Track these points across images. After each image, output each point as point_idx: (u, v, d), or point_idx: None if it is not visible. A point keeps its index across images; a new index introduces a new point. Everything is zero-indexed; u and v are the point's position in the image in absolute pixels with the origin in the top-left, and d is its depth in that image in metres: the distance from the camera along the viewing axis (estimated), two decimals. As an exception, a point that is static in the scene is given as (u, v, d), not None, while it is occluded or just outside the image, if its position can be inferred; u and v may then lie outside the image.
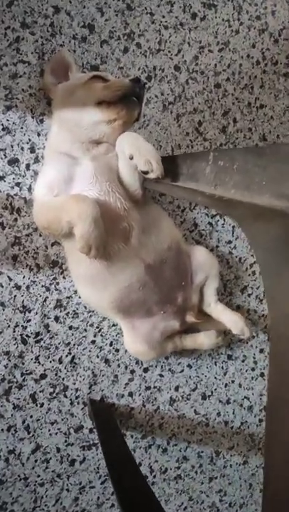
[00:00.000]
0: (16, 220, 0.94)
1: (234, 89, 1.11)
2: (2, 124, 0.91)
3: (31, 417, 0.99)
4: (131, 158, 0.79)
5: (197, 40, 1.05)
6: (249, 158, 0.61)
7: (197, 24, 1.05)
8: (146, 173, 0.78)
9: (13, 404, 0.97)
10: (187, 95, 1.06)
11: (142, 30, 1.00)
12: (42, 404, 1.00)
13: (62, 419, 1.02)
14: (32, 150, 0.93)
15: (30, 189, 0.94)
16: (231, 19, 1.08)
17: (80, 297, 0.99)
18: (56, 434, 1.01)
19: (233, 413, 1.19)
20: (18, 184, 0.93)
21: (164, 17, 1.02)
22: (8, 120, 0.91)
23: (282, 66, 1.15)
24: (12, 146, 0.92)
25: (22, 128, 0.92)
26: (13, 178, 0.93)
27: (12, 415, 0.97)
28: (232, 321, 0.98)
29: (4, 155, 0.91)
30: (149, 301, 0.89)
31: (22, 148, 0.93)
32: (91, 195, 0.79)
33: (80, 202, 0.73)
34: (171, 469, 1.14)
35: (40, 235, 0.96)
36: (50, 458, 1.01)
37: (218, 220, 1.12)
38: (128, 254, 0.84)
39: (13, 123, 0.91)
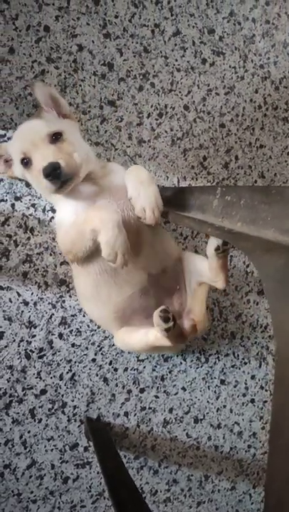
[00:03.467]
0: (28, 238, 0.98)
1: (237, 130, 1.19)
2: (23, 149, 0.97)
3: (29, 432, 1.01)
4: (130, 199, 0.82)
5: (206, 83, 1.15)
6: (255, 195, 0.67)
7: (206, 69, 1.14)
8: (140, 218, 0.81)
9: (12, 418, 0.99)
10: (194, 132, 1.14)
11: (156, 71, 1.09)
12: (40, 420, 1.01)
13: (59, 436, 1.03)
14: (49, 174, 0.99)
15: (44, 210, 0.99)
16: (237, 66, 1.18)
17: (84, 316, 1.03)
18: (52, 450, 1.03)
19: (224, 438, 1.22)
20: (33, 205, 0.98)
21: (176, 61, 1.11)
22: (28, 145, 0.97)
23: (282, 111, 1.25)
24: (30, 170, 0.97)
25: (41, 153, 0.98)
26: (30, 200, 0.98)
27: (10, 429, 0.99)
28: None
29: (22, 177, 0.97)
30: (148, 307, 0.91)
31: (39, 172, 0.98)
32: None
33: (102, 209, 0.77)
34: (161, 491, 1.15)
35: (51, 254, 1.00)
36: (45, 474, 1.03)
37: (218, 249, 1.18)
38: (135, 266, 0.87)
39: (33, 148, 0.97)
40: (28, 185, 0.97)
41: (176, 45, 1.10)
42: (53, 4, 0.98)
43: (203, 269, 0.91)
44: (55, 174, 0.77)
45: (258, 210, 0.67)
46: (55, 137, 0.82)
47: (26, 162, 0.82)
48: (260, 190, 0.67)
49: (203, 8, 1.12)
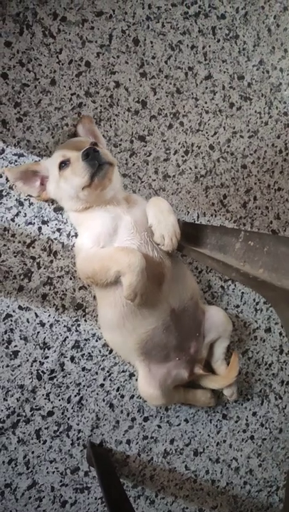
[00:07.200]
0: (51, 261, 1.01)
1: (257, 172, 1.24)
2: (55, 175, 1.00)
3: (33, 452, 1.01)
4: (150, 226, 0.89)
5: (231, 126, 1.19)
6: (280, 246, 0.70)
7: (233, 112, 1.19)
8: (158, 244, 0.88)
9: (18, 437, 1.00)
10: (217, 171, 1.19)
11: (186, 111, 1.14)
12: (45, 441, 1.02)
13: (61, 459, 1.04)
14: (77, 201, 1.02)
15: (69, 235, 1.02)
16: (262, 112, 1.23)
17: (96, 341, 1.06)
18: (53, 473, 1.04)
19: (221, 473, 1.23)
20: (59, 230, 1.01)
21: (206, 103, 1.16)
22: (60, 172, 1.01)
23: (301, 157, 1.30)
24: (60, 196, 1.01)
25: (71, 181, 1.02)
26: (56, 224, 1.01)
27: (15, 448, 1.00)
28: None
29: (52, 202, 1.00)
30: (168, 345, 0.96)
31: (68, 199, 1.02)
32: (133, 244, 0.88)
33: (130, 254, 0.82)
34: (155, 523, 1.15)
35: (71, 279, 1.03)
36: (44, 497, 1.03)
37: (230, 285, 1.21)
38: (159, 298, 0.91)
39: (65, 175, 1.01)
40: (56, 210, 1.01)
41: (207, 88, 1.15)
42: (96, 42, 1.04)
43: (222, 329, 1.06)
44: (94, 155, 0.83)
45: (281, 259, 0.70)
46: (95, 145, 0.90)
47: (64, 164, 0.87)
48: (284, 241, 0.70)
49: (235, 55, 1.18)
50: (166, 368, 0.98)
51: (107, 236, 0.88)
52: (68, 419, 1.04)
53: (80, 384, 1.05)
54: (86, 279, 0.89)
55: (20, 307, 0.99)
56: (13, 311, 0.99)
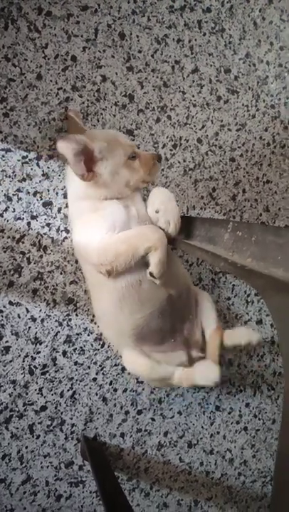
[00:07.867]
0: (41, 256, 1.01)
1: (246, 165, 1.25)
2: (43, 170, 1.00)
3: (26, 447, 1.02)
4: (156, 212, 0.92)
5: (219, 119, 1.20)
6: (267, 235, 0.71)
7: (221, 106, 1.20)
8: (162, 229, 0.91)
9: (11, 433, 1.00)
10: (205, 164, 1.19)
11: (173, 105, 1.14)
12: (38, 436, 1.03)
13: (55, 453, 1.04)
14: (65, 196, 1.02)
15: (58, 230, 1.02)
16: (250, 105, 1.24)
17: (88, 335, 1.06)
18: (47, 467, 1.04)
19: (215, 464, 1.24)
20: (48, 224, 1.01)
21: (193, 96, 1.16)
22: (48, 167, 1.01)
23: (289, 149, 1.31)
24: (48, 191, 1.01)
25: (60, 175, 1.02)
26: (45, 219, 1.01)
27: (9, 444, 1.00)
28: (240, 332, 1.04)
29: (40, 197, 1.00)
30: (163, 329, 0.96)
31: (57, 193, 1.02)
32: None
33: (157, 231, 0.87)
34: (151, 515, 1.16)
35: (61, 273, 1.03)
36: (38, 491, 1.03)
37: (221, 278, 1.22)
38: (157, 285, 0.92)
39: (53, 170, 1.01)
40: (44, 205, 1.01)
41: (193, 81, 1.16)
42: (82, 36, 1.04)
43: (210, 316, 1.05)
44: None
45: (268, 248, 0.70)
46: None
47: (134, 156, 0.93)
48: (272, 231, 0.70)
49: (221, 48, 1.19)
50: (161, 349, 0.97)
51: (122, 223, 0.89)
52: (61, 413, 1.05)
53: (72, 378, 1.05)
54: (101, 267, 0.87)
55: (10, 302, 0.99)
56: (4, 307, 0.99)
